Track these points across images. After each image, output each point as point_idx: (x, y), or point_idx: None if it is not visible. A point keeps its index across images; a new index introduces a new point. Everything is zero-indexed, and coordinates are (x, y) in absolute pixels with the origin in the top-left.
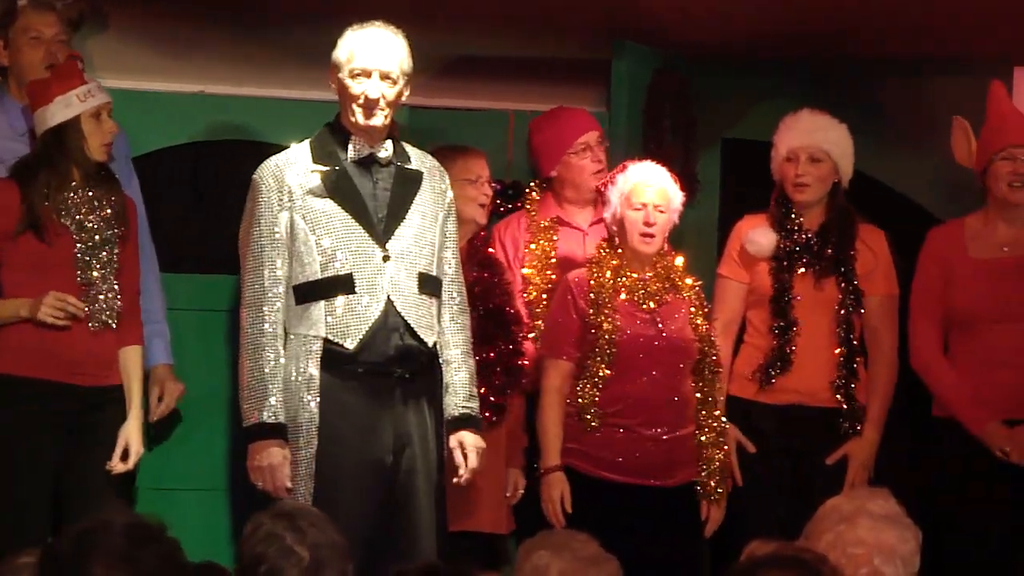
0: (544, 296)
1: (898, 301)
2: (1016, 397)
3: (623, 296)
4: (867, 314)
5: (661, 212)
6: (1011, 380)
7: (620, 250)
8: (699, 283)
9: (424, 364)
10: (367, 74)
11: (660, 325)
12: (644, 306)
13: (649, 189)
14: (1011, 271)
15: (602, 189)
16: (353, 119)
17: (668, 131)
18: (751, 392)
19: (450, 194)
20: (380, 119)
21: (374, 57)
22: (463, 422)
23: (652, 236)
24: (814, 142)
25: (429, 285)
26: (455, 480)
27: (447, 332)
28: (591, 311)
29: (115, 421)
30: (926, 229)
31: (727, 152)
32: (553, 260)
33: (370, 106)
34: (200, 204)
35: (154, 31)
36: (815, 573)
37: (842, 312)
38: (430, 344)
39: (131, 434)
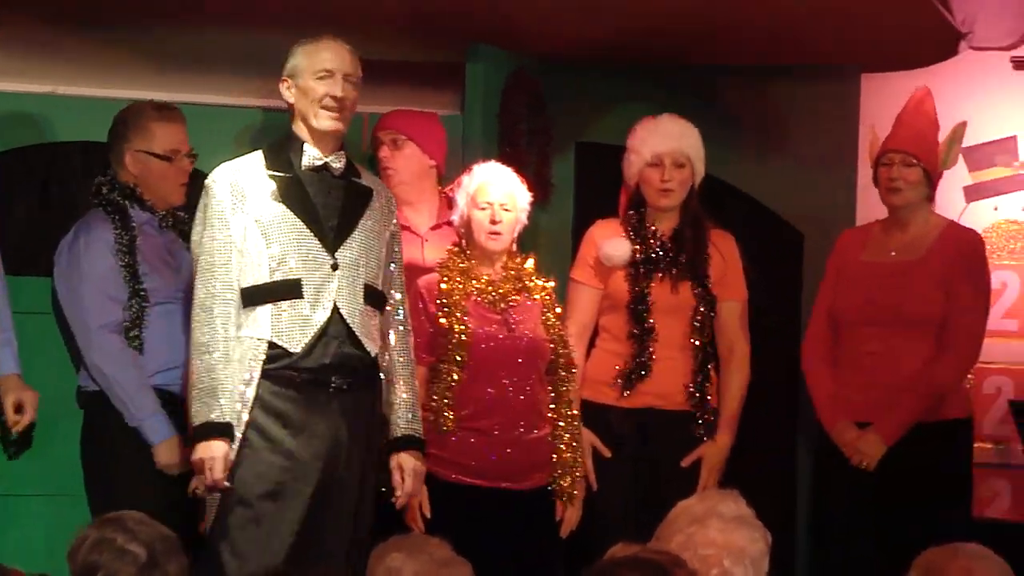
0: None
1: (747, 305)
2: (867, 399)
3: (474, 299)
4: (718, 319)
5: (507, 211)
6: (864, 381)
7: (469, 252)
8: (551, 283)
9: (362, 374)
10: (331, 74)
11: (512, 326)
12: (495, 308)
13: (494, 188)
14: (888, 275)
15: (449, 194)
16: (314, 123)
17: (523, 134)
18: (606, 396)
19: (396, 218)
20: (342, 123)
21: (337, 60)
22: (404, 443)
23: (499, 234)
24: (679, 147)
25: (373, 297)
26: (394, 501)
27: (393, 352)
28: (440, 315)
29: None
30: (775, 232)
31: (580, 155)
32: None
33: (341, 106)
34: (48, 205)
35: (3, 32)
36: (667, 575)
37: (697, 317)
38: (372, 353)
39: None
